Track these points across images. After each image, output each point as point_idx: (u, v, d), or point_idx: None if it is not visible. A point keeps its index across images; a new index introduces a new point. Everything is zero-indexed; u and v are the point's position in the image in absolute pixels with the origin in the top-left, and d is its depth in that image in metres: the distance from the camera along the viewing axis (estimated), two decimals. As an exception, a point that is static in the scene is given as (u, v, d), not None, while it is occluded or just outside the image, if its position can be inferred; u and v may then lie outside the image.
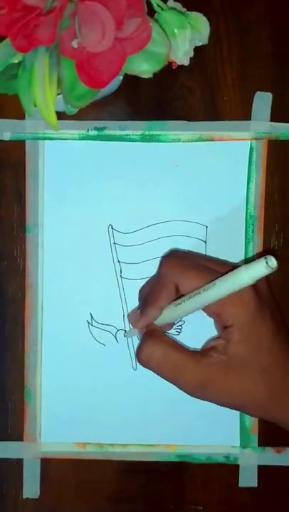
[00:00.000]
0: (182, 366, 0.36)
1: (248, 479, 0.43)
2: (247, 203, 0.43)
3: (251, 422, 0.43)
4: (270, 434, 0.43)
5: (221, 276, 0.35)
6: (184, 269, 0.37)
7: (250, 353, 0.36)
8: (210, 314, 0.37)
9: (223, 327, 0.37)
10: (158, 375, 0.37)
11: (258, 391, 0.36)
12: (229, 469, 0.43)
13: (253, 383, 0.36)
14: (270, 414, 0.38)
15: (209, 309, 0.37)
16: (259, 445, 0.43)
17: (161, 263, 0.39)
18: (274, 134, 0.43)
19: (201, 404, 0.43)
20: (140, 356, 0.37)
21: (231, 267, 0.36)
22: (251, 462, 0.43)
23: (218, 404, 0.37)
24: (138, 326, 0.39)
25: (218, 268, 0.37)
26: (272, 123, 0.43)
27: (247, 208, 0.43)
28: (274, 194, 0.43)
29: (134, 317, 0.40)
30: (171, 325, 0.41)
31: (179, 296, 0.38)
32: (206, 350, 0.37)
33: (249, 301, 0.36)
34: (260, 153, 0.43)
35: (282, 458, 0.43)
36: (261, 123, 0.43)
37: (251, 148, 0.43)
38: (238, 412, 0.43)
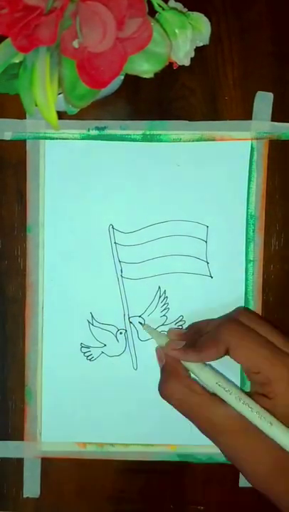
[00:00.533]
0: (199, 411, 0.38)
1: (249, 479, 0.43)
2: (248, 203, 0.43)
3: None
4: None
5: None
6: (244, 339, 0.37)
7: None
8: (251, 377, 0.38)
9: (260, 393, 0.37)
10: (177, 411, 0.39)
11: (264, 462, 0.36)
12: (230, 469, 0.43)
13: (262, 453, 0.36)
14: (268, 489, 0.37)
15: (253, 374, 0.37)
16: (259, 445, 0.43)
17: (224, 322, 0.39)
18: (275, 133, 0.43)
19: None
20: (161, 392, 0.39)
21: None
22: (252, 462, 0.43)
23: (224, 454, 0.38)
24: (169, 352, 0.40)
25: (278, 343, 0.38)
26: (273, 123, 0.43)
27: (248, 208, 0.43)
28: (275, 194, 0.43)
29: (174, 343, 0.40)
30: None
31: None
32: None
33: None
34: (261, 153, 0.43)
35: (283, 458, 0.43)
36: (262, 123, 0.43)
37: (252, 148, 0.43)
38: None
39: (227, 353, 0.37)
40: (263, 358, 0.37)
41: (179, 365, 0.39)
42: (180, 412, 0.39)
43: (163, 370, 0.40)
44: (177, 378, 0.39)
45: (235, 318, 0.39)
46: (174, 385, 0.39)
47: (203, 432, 0.38)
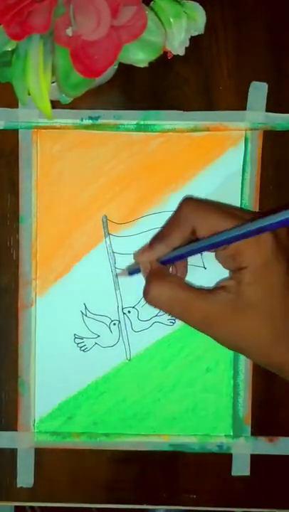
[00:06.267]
0: (189, 304, 0.36)
1: (241, 468, 0.44)
2: (242, 194, 0.43)
3: (244, 412, 0.44)
4: (263, 424, 0.44)
5: (246, 222, 0.34)
6: (205, 212, 0.36)
7: (261, 295, 0.35)
8: (223, 256, 0.37)
9: (236, 268, 0.36)
10: (166, 313, 0.38)
11: (263, 334, 0.35)
12: (222, 458, 0.44)
13: (259, 326, 0.35)
14: (272, 358, 0.36)
15: (223, 250, 0.36)
16: (252, 435, 0.44)
17: (181, 205, 0.38)
18: (269, 124, 0.43)
19: (195, 394, 0.43)
20: (148, 297, 0.37)
21: (255, 214, 0.36)
22: (244, 451, 0.44)
23: (222, 344, 0.37)
24: (141, 259, 0.38)
25: (242, 214, 0.37)
26: (268, 113, 0.43)
27: (242, 199, 0.43)
28: (269, 185, 0.43)
29: (140, 252, 0.39)
30: (184, 270, 0.41)
31: (193, 240, 0.37)
32: (215, 289, 0.36)
33: (265, 244, 0.35)
34: (255, 143, 0.43)
35: (275, 447, 0.44)
36: (257, 113, 0.42)
37: (246, 139, 0.43)
38: (231, 402, 0.43)
39: (192, 233, 0.36)
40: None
41: (163, 268, 0.38)
42: (171, 313, 0.37)
43: (147, 278, 0.38)
44: (163, 278, 0.37)
45: (191, 200, 0.39)
46: (161, 285, 0.36)
47: (198, 327, 0.37)
